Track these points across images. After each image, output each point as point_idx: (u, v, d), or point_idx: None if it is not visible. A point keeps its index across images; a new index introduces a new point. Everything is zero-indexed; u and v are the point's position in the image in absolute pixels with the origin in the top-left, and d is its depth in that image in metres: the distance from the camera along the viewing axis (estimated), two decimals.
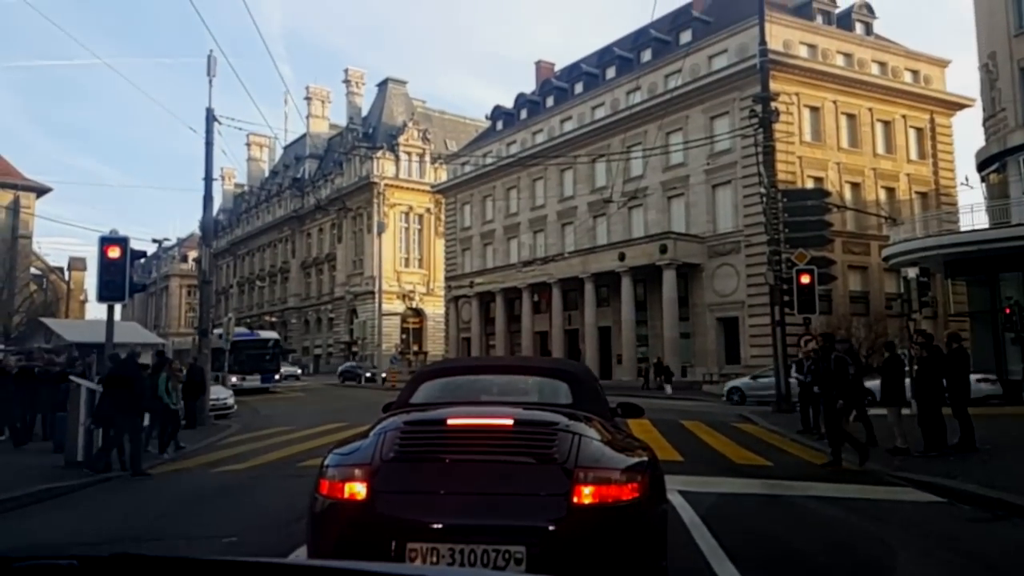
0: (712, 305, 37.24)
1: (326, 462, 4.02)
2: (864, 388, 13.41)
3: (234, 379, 33.46)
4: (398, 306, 63.24)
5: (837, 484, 9.65)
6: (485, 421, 4.25)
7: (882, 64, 39.19)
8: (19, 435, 14.82)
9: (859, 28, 40.56)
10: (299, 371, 58.28)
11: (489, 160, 52.33)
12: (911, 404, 12.48)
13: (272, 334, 46.53)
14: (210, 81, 22.29)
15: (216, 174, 24.92)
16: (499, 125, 55.84)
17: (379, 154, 65.99)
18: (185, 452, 14.30)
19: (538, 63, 57.34)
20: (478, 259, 53.83)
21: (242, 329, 46.54)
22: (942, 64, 41.38)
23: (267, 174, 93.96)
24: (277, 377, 42.58)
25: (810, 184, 33.16)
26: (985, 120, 29.28)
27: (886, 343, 15.25)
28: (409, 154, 67.88)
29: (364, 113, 74.18)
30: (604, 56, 48.44)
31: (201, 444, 15.61)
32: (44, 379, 15.45)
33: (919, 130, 39.66)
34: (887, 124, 38.63)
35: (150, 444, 13.50)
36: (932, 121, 39.84)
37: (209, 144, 22.19)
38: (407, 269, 66.60)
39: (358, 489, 3.75)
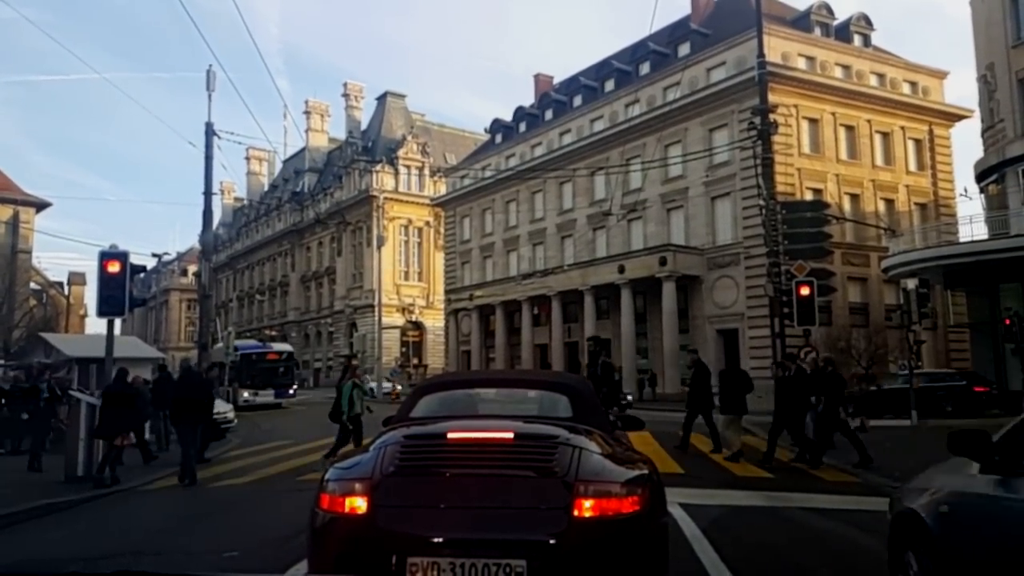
0: (712, 317, 37.23)
1: (326, 476, 4.01)
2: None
3: (246, 394, 32.05)
4: (398, 319, 63.23)
5: (839, 496, 9.64)
6: (485, 435, 4.24)
7: (880, 76, 39.27)
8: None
9: (857, 40, 40.69)
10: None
11: (488, 173, 52.42)
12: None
13: (286, 347, 43.30)
14: (209, 95, 22.34)
15: (215, 188, 24.94)
16: (498, 138, 55.98)
17: (378, 167, 66.15)
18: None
19: (537, 76, 57.47)
20: (478, 272, 53.84)
21: (252, 342, 45.13)
22: (940, 75, 41.47)
23: (266, 188, 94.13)
24: (291, 392, 38.99)
25: (809, 196, 33.17)
26: (984, 131, 29.33)
27: (693, 359, 15.62)
28: (408, 167, 68.05)
29: (363, 127, 74.43)
30: (603, 69, 48.58)
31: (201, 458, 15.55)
32: (14, 395, 15.28)
33: (918, 141, 39.71)
34: (886, 135, 38.70)
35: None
36: (931, 132, 39.90)
37: (209, 158, 22.22)
38: (407, 282, 66.65)
39: (358, 503, 3.74)
